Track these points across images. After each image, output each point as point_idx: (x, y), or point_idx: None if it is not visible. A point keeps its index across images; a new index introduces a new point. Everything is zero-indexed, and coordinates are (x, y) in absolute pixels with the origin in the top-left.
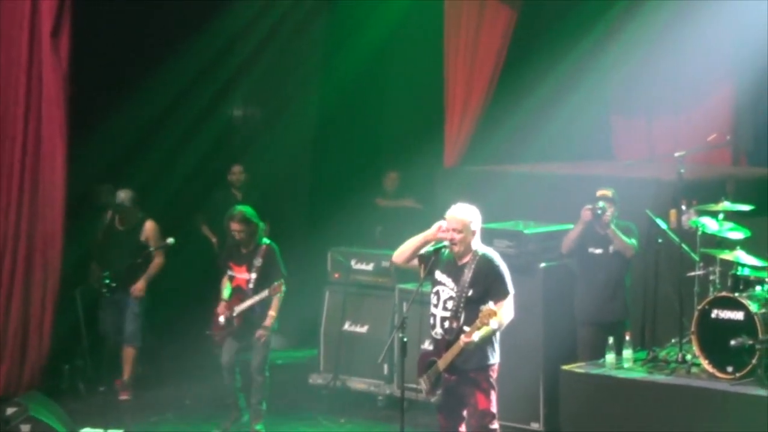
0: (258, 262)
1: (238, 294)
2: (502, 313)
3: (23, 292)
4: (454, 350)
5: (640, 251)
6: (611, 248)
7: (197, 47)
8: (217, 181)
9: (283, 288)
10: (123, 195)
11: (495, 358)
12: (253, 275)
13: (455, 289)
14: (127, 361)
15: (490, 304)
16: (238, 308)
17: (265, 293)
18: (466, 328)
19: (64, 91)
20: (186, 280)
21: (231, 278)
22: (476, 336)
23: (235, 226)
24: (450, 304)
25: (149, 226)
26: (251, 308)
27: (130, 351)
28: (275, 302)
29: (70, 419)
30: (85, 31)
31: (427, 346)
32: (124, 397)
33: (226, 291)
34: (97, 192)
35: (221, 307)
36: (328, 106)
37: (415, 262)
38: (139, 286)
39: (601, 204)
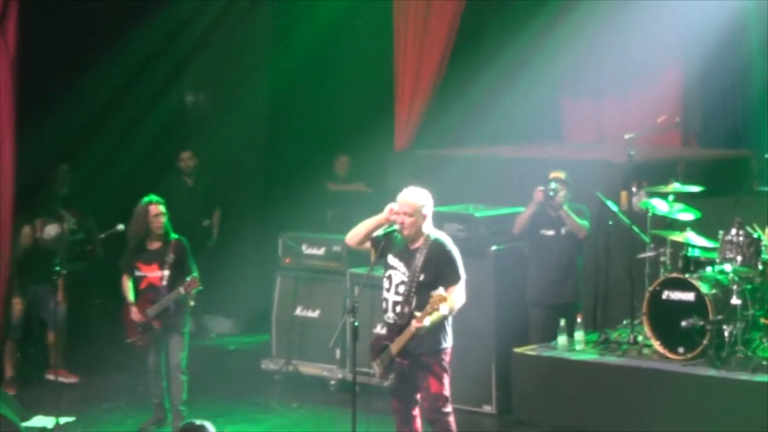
0: (170, 258)
1: (150, 293)
2: (454, 298)
3: None
4: (406, 335)
5: (591, 233)
6: (563, 230)
7: (147, 33)
8: (168, 167)
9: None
10: (52, 232)
11: (447, 342)
12: (166, 272)
13: (407, 274)
14: (59, 347)
15: (441, 290)
16: (153, 311)
17: (180, 290)
18: (418, 313)
19: (12, 78)
20: None
21: (138, 279)
22: (427, 321)
23: (159, 209)
24: (402, 289)
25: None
26: (166, 308)
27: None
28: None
29: (21, 407)
30: (34, 17)
31: (379, 330)
32: (72, 380)
33: (131, 293)
34: (53, 174)
35: (134, 313)
36: (279, 91)
37: (368, 244)
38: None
39: (553, 185)
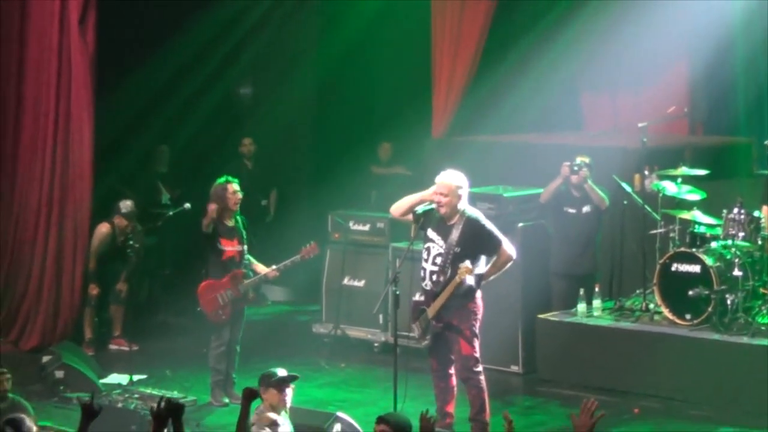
0: (244, 233)
1: (233, 268)
2: (507, 253)
3: (56, 253)
4: (440, 299)
5: (609, 209)
6: (584, 209)
7: (203, 29)
8: (222, 150)
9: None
10: (129, 202)
11: (478, 309)
12: (245, 247)
13: (444, 247)
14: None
15: (467, 263)
16: (247, 285)
17: (297, 257)
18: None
19: (90, 73)
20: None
21: (220, 253)
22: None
23: (236, 187)
24: (439, 260)
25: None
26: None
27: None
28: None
29: (99, 366)
30: (108, 18)
31: (418, 297)
32: (131, 348)
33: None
34: (155, 154)
35: (231, 284)
36: (326, 83)
37: (409, 217)
38: None
39: (578, 161)
